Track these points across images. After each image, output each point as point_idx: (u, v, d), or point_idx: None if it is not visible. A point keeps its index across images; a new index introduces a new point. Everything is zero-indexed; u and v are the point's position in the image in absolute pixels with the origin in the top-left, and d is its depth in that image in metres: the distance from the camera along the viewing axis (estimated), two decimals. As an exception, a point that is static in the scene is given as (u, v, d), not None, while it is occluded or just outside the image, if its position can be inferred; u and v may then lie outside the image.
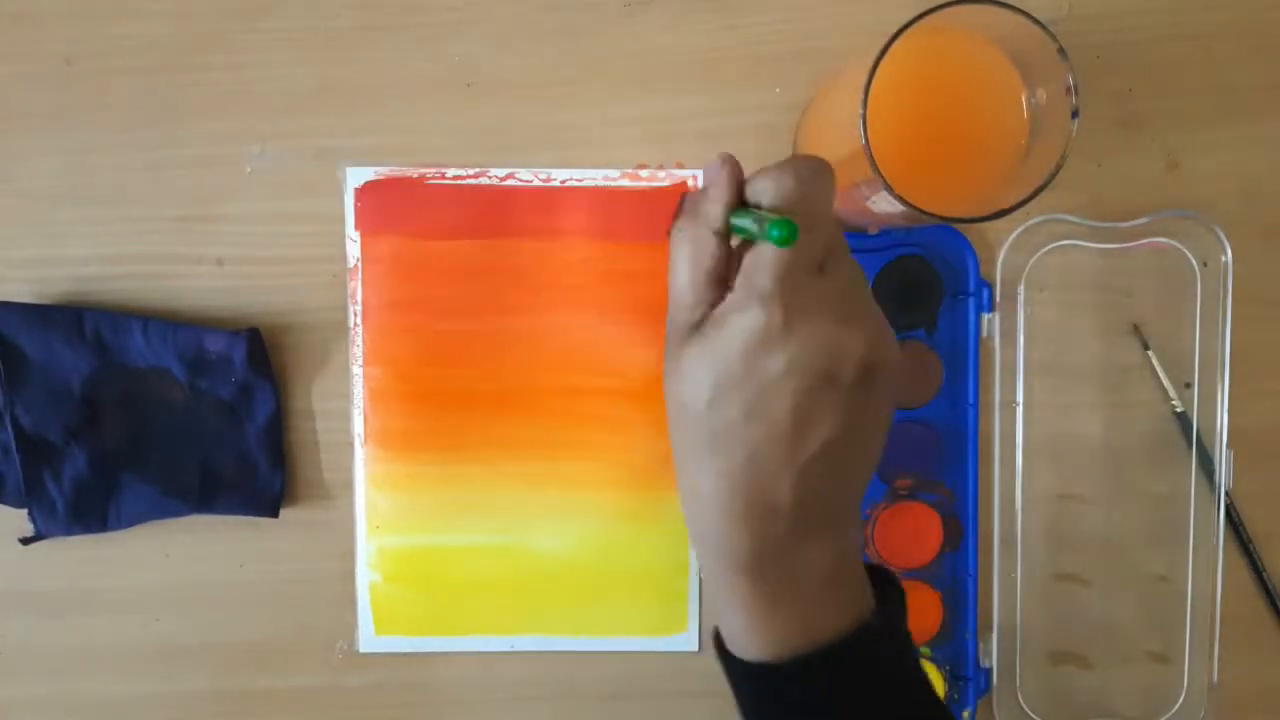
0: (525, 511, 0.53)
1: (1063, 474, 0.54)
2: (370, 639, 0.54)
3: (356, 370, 0.52)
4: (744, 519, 0.34)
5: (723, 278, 0.36)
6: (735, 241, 0.37)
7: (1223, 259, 0.52)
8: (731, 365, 0.33)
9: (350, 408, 0.53)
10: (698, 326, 0.35)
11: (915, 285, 0.52)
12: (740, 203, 0.36)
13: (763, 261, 0.33)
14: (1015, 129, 0.43)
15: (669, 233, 0.38)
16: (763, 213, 0.34)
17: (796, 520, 0.35)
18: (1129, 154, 0.52)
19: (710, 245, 0.36)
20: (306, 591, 0.54)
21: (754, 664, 0.36)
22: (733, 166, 0.36)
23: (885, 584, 0.39)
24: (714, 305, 0.35)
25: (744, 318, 0.33)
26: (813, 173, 0.35)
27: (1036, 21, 0.39)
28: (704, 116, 0.52)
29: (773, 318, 0.33)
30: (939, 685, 0.53)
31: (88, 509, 0.51)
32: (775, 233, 0.32)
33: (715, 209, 0.36)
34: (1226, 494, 0.53)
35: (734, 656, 0.36)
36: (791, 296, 0.33)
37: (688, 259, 0.36)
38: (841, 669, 0.35)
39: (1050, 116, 0.42)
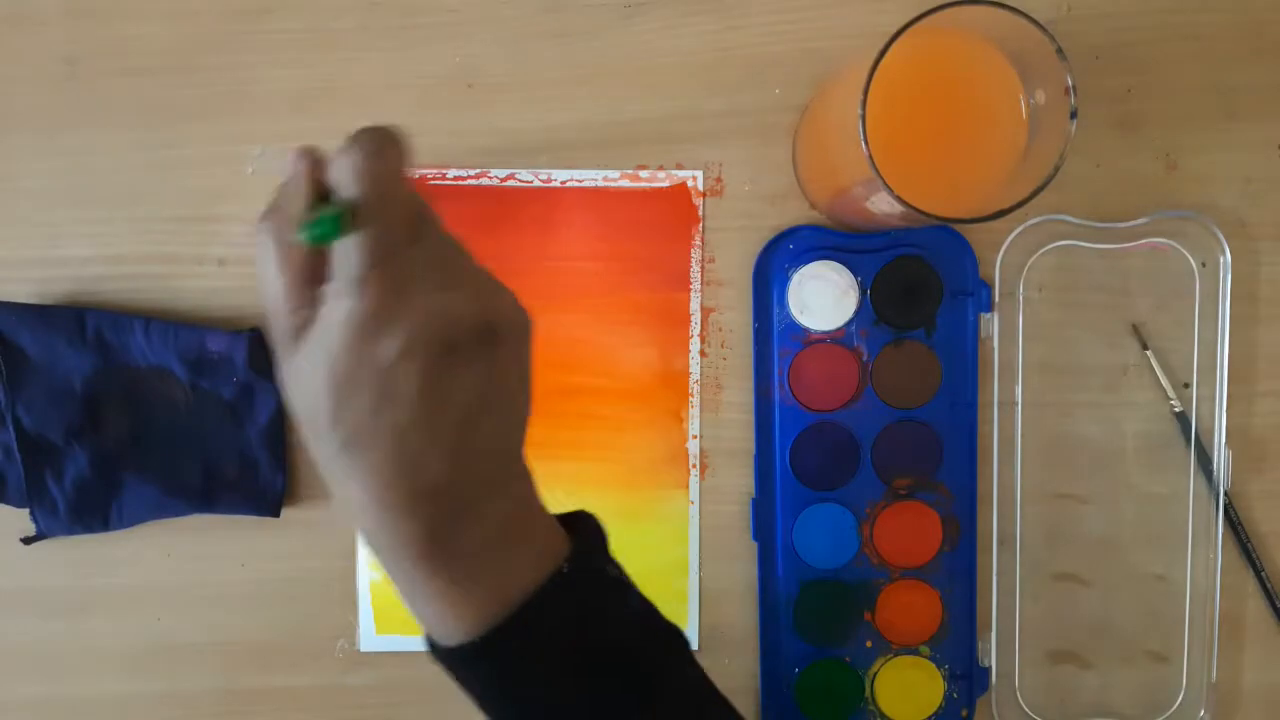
0: (525, 511, 0.53)
1: (1062, 474, 0.54)
2: (371, 638, 0.54)
3: (357, 370, 0.52)
4: (406, 509, 0.33)
5: (315, 276, 0.33)
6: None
7: (1221, 259, 0.52)
8: (345, 359, 0.31)
9: (351, 408, 0.53)
10: (301, 331, 0.33)
11: (914, 285, 0.52)
12: (324, 195, 0.34)
13: (347, 247, 0.32)
14: (1014, 129, 0.44)
15: (254, 231, 0.35)
16: (338, 213, 0.32)
17: (458, 494, 0.33)
18: (1128, 154, 0.52)
19: (294, 244, 0.33)
20: (307, 591, 0.54)
21: (460, 648, 0.35)
22: (309, 157, 0.34)
23: (581, 524, 0.38)
24: (311, 306, 0.33)
25: (342, 308, 0.31)
26: (376, 144, 0.33)
27: (1035, 22, 0.40)
28: (704, 117, 0.52)
29: (371, 301, 0.31)
30: (938, 684, 0.53)
31: (89, 509, 0.51)
32: (311, 233, 0.31)
33: (296, 204, 0.33)
34: (1225, 493, 0.53)
35: (442, 648, 0.36)
36: (386, 275, 0.31)
37: (274, 261, 0.34)
38: (543, 621, 0.35)
39: (1049, 117, 0.42)
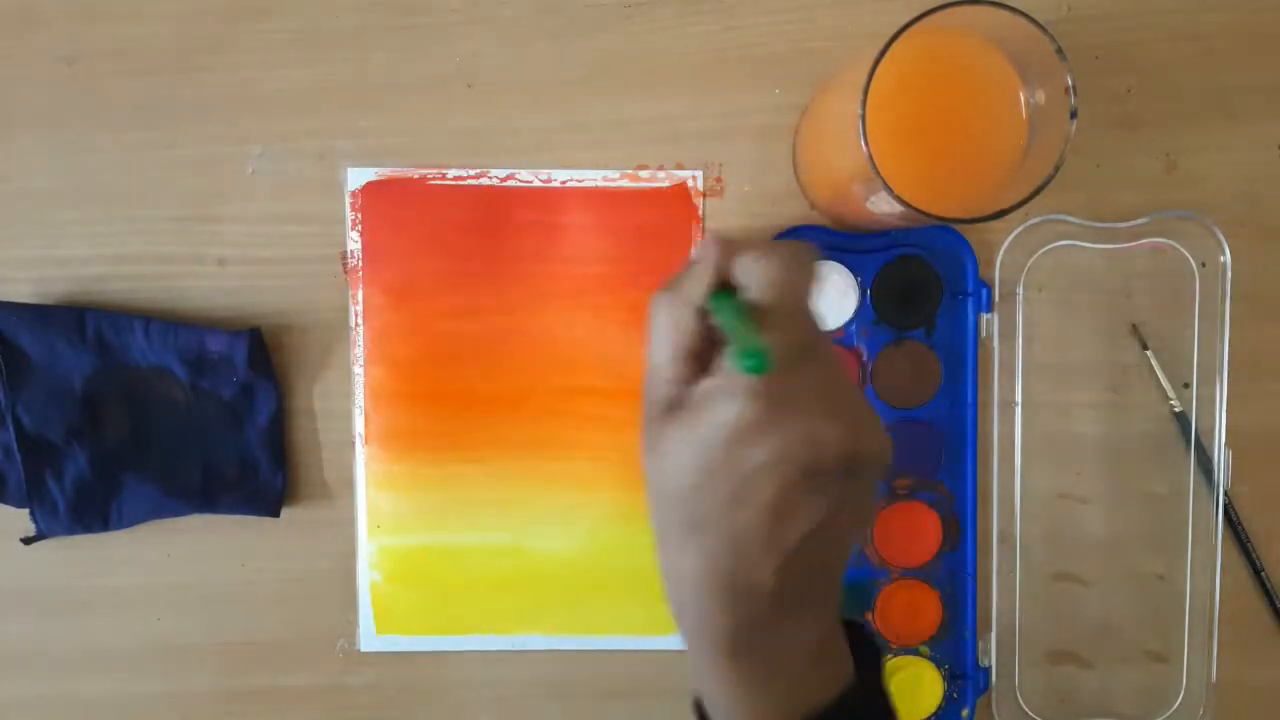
0: (525, 511, 0.53)
1: (1062, 474, 0.54)
2: (371, 638, 0.54)
3: (357, 370, 0.53)
4: (724, 601, 0.34)
5: (701, 354, 0.36)
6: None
7: (1221, 259, 0.52)
8: (714, 454, 0.33)
9: (351, 407, 0.53)
10: (675, 405, 0.35)
11: (914, 285, 0.52)
12: (726, 283, 0.36)
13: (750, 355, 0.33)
14: (1014, 129, 0.43)
15: (651, 300, 0.37)
16: (741, 310, 0.34)
17: (777, 603, 0.35)
18: (1128, 154, 0.52)
19: (689, 323, 0.35)
20: (307, 591, 0.54)
21: None
22: (723, 248, 0.36)
23: (863, 643, 0.39)
24: (690, 382, 0.35)
25: (727, 409, 0.33)
26: (797, 262, 0.35)
27: (1035, 22, 0.40)
28: (704, 117, 0.52)
29: (755, 411, 0.33)
30: (938, 684, 0.54)
31: (89, 509, 0.51)
32: (743, 361, 0.32)
33: (698, 289, 0.35)
34: (1225, 493, 0.53)
35: None
36: (773, 389, 0.33)
37: (667, 334, 0.36)
38: None
39: (1049, 117, 0.42)
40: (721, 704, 0.36)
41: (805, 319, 0.35)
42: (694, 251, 0.37)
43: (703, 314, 0.36)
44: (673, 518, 0.35)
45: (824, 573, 0.37)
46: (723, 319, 0.34)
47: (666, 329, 0.36)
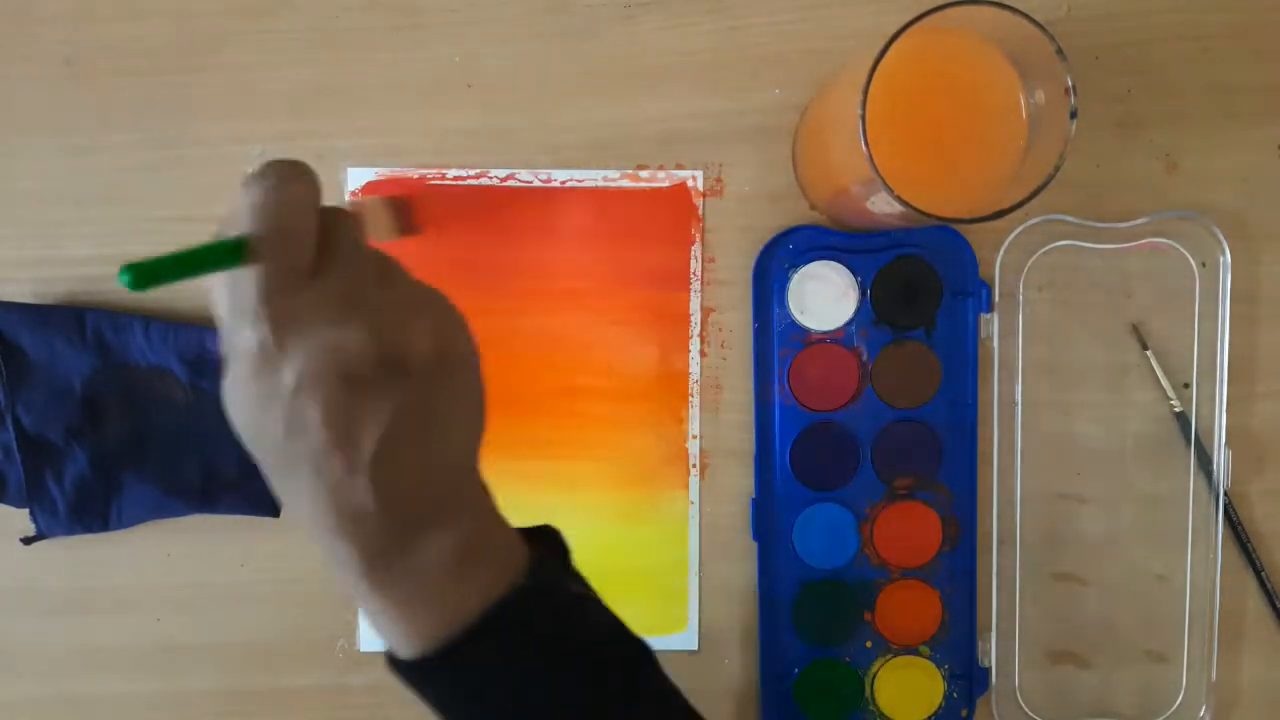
0: (526, 511, 0.53)
1: (1062, 474, 0.54)
2: (371, 638, 0.54)
3: (357, 370, 0.53)
4: (339, 531, 0.33)
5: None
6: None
7: (1221, 259, 0.52)
8: (249, 391, 0.32)
9: (351, 408, 0.53)
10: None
11: (914, 285, 0.52)
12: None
13: (242, 281, 0.32)
14: (1014, 130, 0.44)
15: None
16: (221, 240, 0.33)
17: (392, 520, 0.34)
18: (1127, 154, 0.52)
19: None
20: (308, 591, 0.54)
21: (414, 662, 0.35)
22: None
23: (543, 539, 0.39)
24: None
25: (240, 341, 0.32)
26: (277, 178, 0.33)
27: (1035, 22, 0.40)
28: (704, 117, 0.52)
29: (263, 335, 0.32)
30: (938, 684, 0.54)
31: (89, 509, 0.51)
32: (211, 260, 0.31)
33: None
34: (1225, 493, 0.53)
35: (398, 660, 0.36)
36: (280, 310, 0.32)
37: (219, 281, 0.34)
38: (499, 636, 0.35)
39: (1049, 117, 0.42)
40: (387, 630, 0.35)
41: (300, 232, 0.33)
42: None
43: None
44: (264, 465, 0.34)
45: (435, 479, 0.35)
46: (212, 252, 0.32)
47: (220, 279, 0.33)
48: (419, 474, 0.34)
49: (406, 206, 0.52)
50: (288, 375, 0.32)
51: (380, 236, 0.50)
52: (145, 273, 0.32)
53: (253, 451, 0.34)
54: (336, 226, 0.34)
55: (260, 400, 0.32)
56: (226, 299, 0.32)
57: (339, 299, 0.33)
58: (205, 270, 0.32)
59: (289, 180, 0.34)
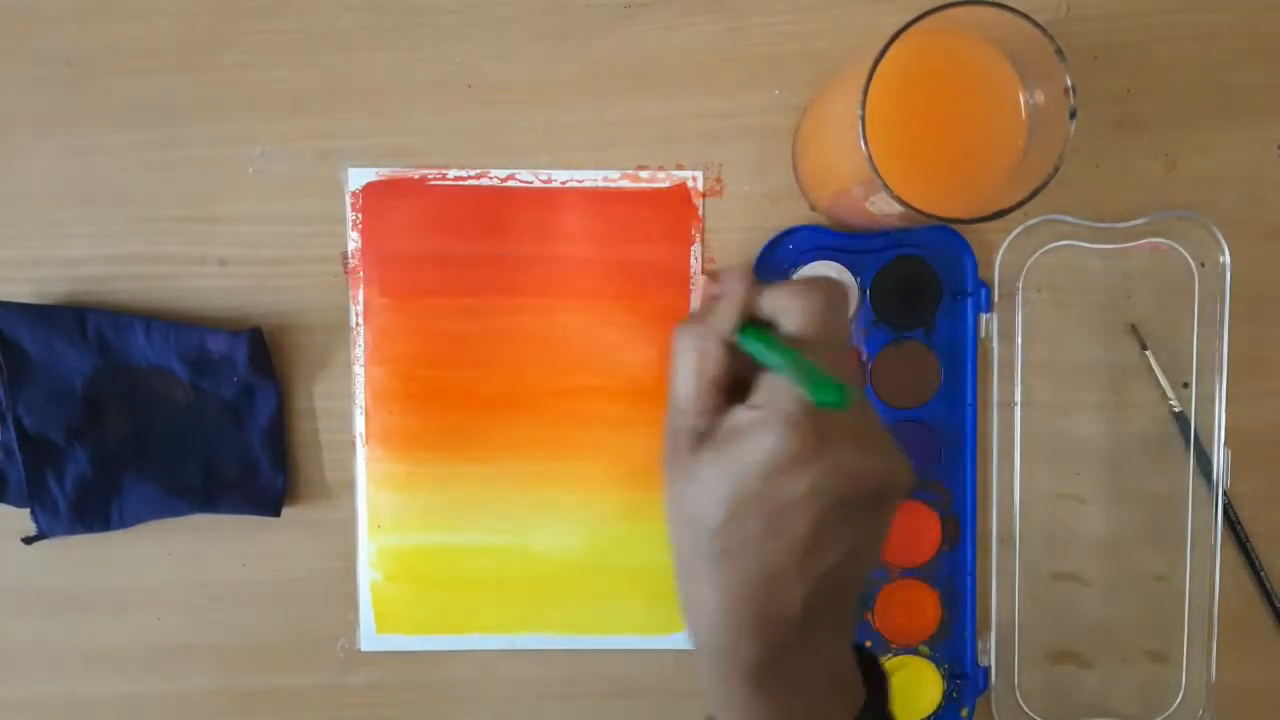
0: (525, 511, 0.53)
1: (1061, 474, 0.54)
2: (371, 638, 0.54)
3: (358, 370, 0.53)
4: (752, 629, 0.35)
5: (725, 387, 0.36)
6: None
7: (1221, 259, 0.52)
8: (750, 484, 0.33)
9: (352, 407, 0.53)
10: (705, 436, 0.35)
11: (914, 285, 0.52)
12: (751, 317, 0.36)
13: (786, 383, 0.34)
14: (1013, 130, 0.44)
15: (675, 329, 0.38)
16: (782, 348, 0.34)
17: (803, 630, 0.35)
18: (1127, 154, 0.52)
19: (717, 356, 0.36)
20: (308, 590, 0.54)
21: None
22: (749, 281, 0.36)
23: (870, 669, 0.40)
24: (717, 413, 0.36)
25: (767, 439, 0.33)
26: (836, 299, 0.36)
27: (1034, 22, 0.40)
28: (704, 118, 0.52)
29: (797, 442, 0.33)
30: (938, 684, 0.54)
31: (90, 508, 0.51)
32: (823, 396, 0.32)
33: (726, 322, 0.36)
34: (1224, 493, 0.53)
35: None
36: (811, 422, 0.33)
37: (693, 367, 0.36)
38: None
39: (1048, 117, 0.42)
40: None
41: (843, 354, 0.36)
42: (714, 285, 0.38)
43: (730, 346, 0.36)
44: (702, 548, 0.35)
45: (844, 600, 0.37)
46: (772, 354, 0.34)
47: (692, 361, 0.36)
48: (838, 594, 0.36)
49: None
50: (799, 485, 0.33)
51: None
52: (750, 335, 0.35)
53: (698, 528, 0.35)
54: (852, 356, 0.38)
55: (751, 497, 0.33)
56: (768, 399, 0.34)
57: (859, 426, 0.35)
58: (794, 377, 0.33)
59: (843, 301, 0.36)
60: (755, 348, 0.35)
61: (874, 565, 0.38)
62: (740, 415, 0.35)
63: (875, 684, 0.39)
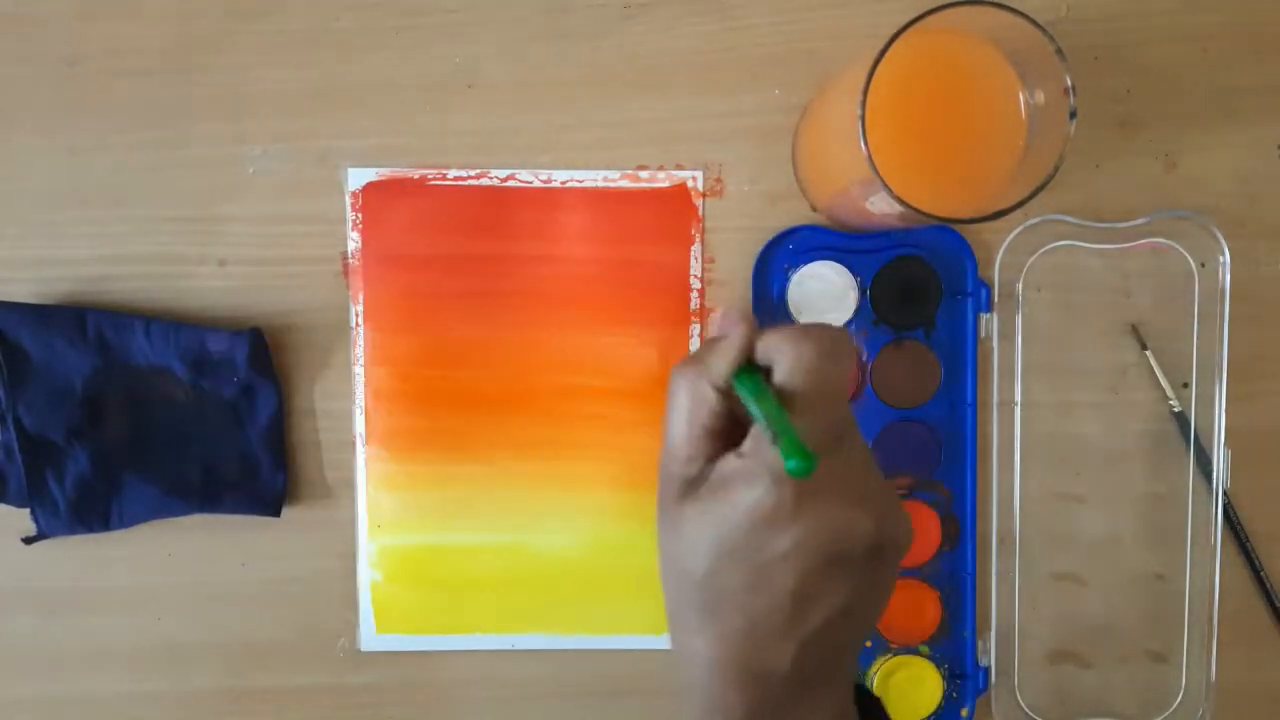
0: (525, 511, 0.53)
1: (1061, 474, 0.54)
2: (371, 638, 0.54)
3: (358, 370, 0.53)
4: (739, 684, 0.33)
5: (720, 432, 0.35)
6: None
7: (1220, 259, 0.52)
8: (734, 537, 0.32)
9: (352, 407, 0.53)
10: (694, 483, 0.34)
11: (914, 286, 0.52)
12: (750, 362, 0.35)
13: (775, 440, 0.32)
14: (1013, 130, 0.44)
15: (672, 370, 0.37)
16: (766, 400, 0.33)
17: (792, 685, 0.34)
18: (1127, 155, 0.52)
19: (710, 401, 0.35)
20: (308, 590, 0.54)
21: None
22: (747, 325, 0.35)
23: (870, 709, 0.38)
24: (710, 460, 0.34)
25: (751, 492, 0.32)
26: (834, 347, 0.34)
27: (1034, 22, 0.40)
28: (704, 118, 0.52)
29: (782, 497, 0.32)
30: (938, 684, 0.54)
31: (90, 508, 0.51)
32: (791, 464, 0.30)
33: (722, 367, 0.34)
34: (1224, 493, 0.53)
35: None
36: (807, 479, 0.32)
37: (686, 411, 0.35)
38: None
39: (1048, 117, 0.42)
40: None
41: (837, 405, 0.34)
42: (715, 325, 0.36)
43: (726, 392, 0.35)
44: (687, 598, 0.34)
45: (840, 653, 0.35)
46: (757, 406, 0.33)
47: (687, 405, 0.35)
48: (831, 650, 0.34)
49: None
50: (784, 541, 0.32)
51: None
52: (743, 382, 0.33)
53: (683, 578, 0.33)
54: (848, 407, 0.35)
55: (735, 550, 0.32)
56: (756, 448, 0.32)
57: (851, 480, 0.33)
58: (768, 423, 0.32)
59: (843, 354, 0.34)
60: (745, 396, 0.34)
61: (872, 624, 0.36)
62: (729, 464, 0.34)
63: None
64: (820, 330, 0.35)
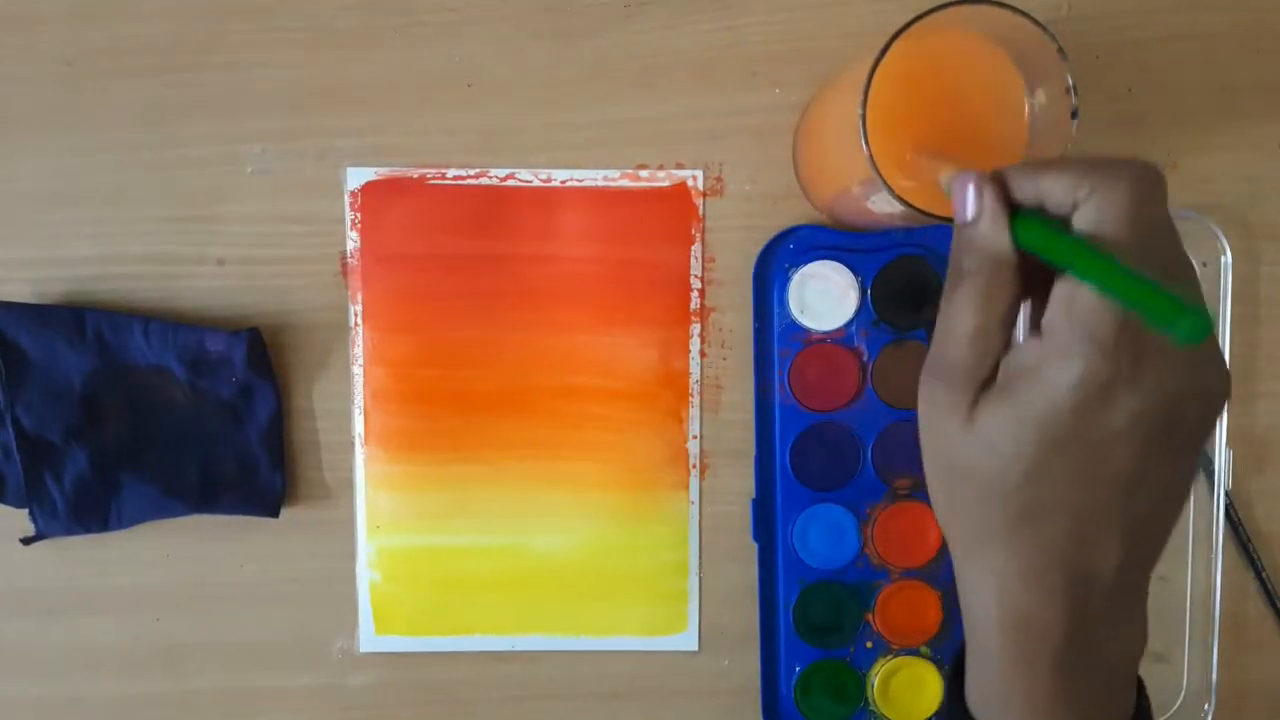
0: (525, 511, 0.53)
1: (1062, 474, 0.54)
2: (370, 638, 0.54)
3: (357, 370, 0.53)
4: (1059, 594, 0.30)
5: (1012, 320, 0.31)
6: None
7: (1222, 259, 0.52)
8: (1060, 425, 0.28)
9: (351, 408, 0.53)
10: (987, 384, 0.30)
11: (915, 286, 0.52)
12: (1017, 211, 0.30)
13: (1093, 298, 0.28)
14: (1015, 129, 0.43)
15: (952, 251, 0.32)
16: (1095, 251, 0.27)
17: (1113, 593, 0.30)
18: (1127, 154, 0.52)
19: (1006, 282, 0.30)
20: (307, 591, 0.54)
21: None
22: (993, 181, 0.30)
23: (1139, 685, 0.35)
24: (1000, 355, 0.30)
25: (1071, 368, 0.28)
26: (1153, 184, 0.29)
27: (1036, 22, 0.40)
28: (704, 117, 0.52)
29: (1110, 366, 0.27)
30: (939, 685, 0.53)
31: (88, 509, 0.51)
32: (1184, 326, 0.25)
33: (1001, 234, 0.30)
34: (1226, 493, 0.53)
35: None
36: (1126, 336, 0.28)
37: (977, 302, 0.30)
38: None
39: (1050, 117, 0.42)
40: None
41: (1176, 245, 0.29)
42: (965, 191, 0.31)
43: (1017, 268, 0.30)
44: (993, 516, 0.30)
45: (1154, 555, 0.31)
46: (1093, 263, 0.27)
47: (976, 296, 0.30)
48: (1152, 545, 0.31)
49: None
50: (1120, 415, 0.28)
51: None
52: (1032, 231, 0.28)
53: (990, 492, 0.29)
54: (1178, 244, 0.30)
55: (1061, 440, 0.28)
56: (1061, 319, 0.28)
57: (1177, 349, 0.29)
58: (1132, 304, 0.27)
59: (1161, 190, 0.30)
60: (1050, 244, 0.28)
61: (1182, 510, 0.32)
62: (1028, 350, 0.29)
63: (1146, 703, 0.34)
64: (1128, 165, 0.29)
